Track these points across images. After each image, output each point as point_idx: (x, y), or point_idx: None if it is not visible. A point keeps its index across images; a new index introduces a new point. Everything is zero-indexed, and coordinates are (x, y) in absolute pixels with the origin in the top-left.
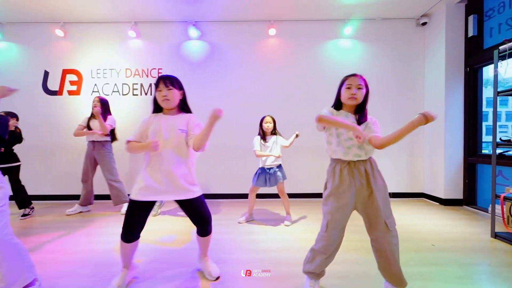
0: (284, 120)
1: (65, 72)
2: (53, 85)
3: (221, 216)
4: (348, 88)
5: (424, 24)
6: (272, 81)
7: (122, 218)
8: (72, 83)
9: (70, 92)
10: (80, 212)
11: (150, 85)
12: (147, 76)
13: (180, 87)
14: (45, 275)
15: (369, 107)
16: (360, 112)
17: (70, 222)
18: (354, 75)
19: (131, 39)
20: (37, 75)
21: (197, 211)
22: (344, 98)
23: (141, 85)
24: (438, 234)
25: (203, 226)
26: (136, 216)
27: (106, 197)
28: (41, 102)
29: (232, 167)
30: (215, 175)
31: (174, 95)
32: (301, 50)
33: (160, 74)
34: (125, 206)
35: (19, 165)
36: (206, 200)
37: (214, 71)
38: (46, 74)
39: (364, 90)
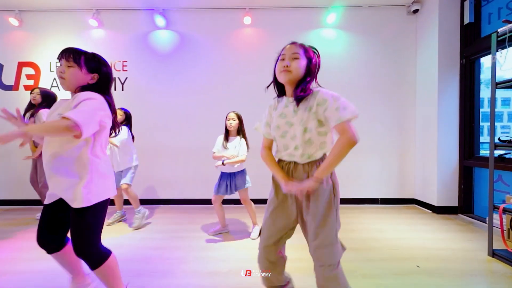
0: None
1: (21, 65)
2: (8, 79)
3: (184, 227)
4: (282, 60)
5: (415, 11)
6: (247, 74)
7: None
8: (29, 77)
9: (27, 87)
10: None
11: (114, 79)
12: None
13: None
14: None
15: (356, 101)
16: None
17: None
18: (291, 43)
19: (93, 29)
20: None
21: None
22: (277, 73)
23: None
24: (426, 251)
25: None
26: None
27: None
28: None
29: (199, 170)
30: (180, 178)
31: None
32: (279, 41)
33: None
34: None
35: None
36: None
37: (183, 63)
38: (0, 67)
39: (303, 61)
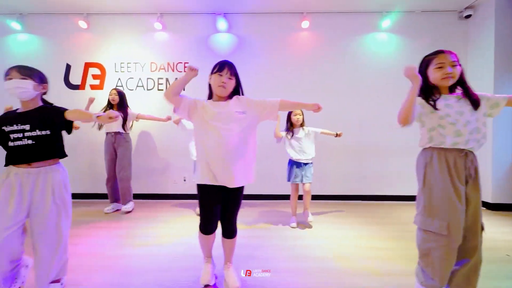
0: (315, 117)
1: (88, 65)
2: (75, 79)
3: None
4: (440, 67)
5: (467, 17)
6: (303, 76)
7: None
8: (95, 77)
9: (93, 87)
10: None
11: (176, 79)
12: (173, 70)
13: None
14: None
15: (401, 103)
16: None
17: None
18: (441, 51)
19: (157, 32)
20: (58, 68)
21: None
22: (436, 79)
23: (167, 79)
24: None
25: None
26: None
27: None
28: (63, 97)
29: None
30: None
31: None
32: (335, 44)
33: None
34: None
35: None
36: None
37: (241, 65)
38: (68, 67)
39: (459, 68)
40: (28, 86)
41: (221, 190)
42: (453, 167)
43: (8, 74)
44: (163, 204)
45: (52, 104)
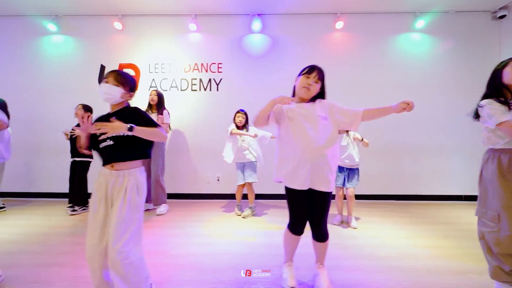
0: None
1: (122, 66)
2: None
3: None
4: None
5: (501, 17)
6: (336, 76)
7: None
8: None
9: None
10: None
11: (210, 80)
12: (206, 71)
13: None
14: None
15: (440, 101)
16: None
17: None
18: None
19: (191, 33)
20: (93, 69)
21: None
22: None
23: (200, 80)
24: None
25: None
26: None
27: None
28: (98, 97)
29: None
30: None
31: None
32: (368, 44)
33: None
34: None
35: (90, 162)
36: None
37: (275, 65)
38: (102, 68)
39: None
40: (116, 94)
41: (309, 193)
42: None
43: (106, 77)
44: (199, 204)
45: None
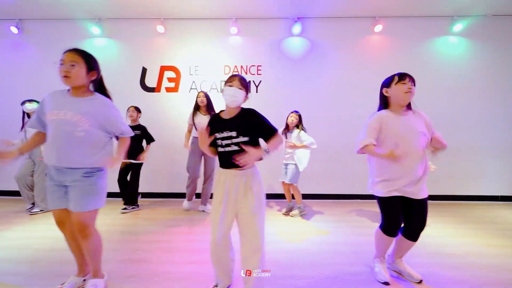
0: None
1: (163, 68)
2: (151, 81)
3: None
4: None
5: None
6: (374, 78)
7: None
8: (170, 80)
9: (168, 89)
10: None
11: (249, 82)
12: (246, 73)
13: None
14: None
15: (477, 103)
16: None
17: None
18: None
19: (231, 36)
20: (135, 71)
21: None
22: None
23: None
24: None
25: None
26: None
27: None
28: (139, 99)
29: (329, 166)
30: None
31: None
32: (406, 47)
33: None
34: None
35: (142, 164)
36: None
37: (313, 68)
38: (144, 70)
39: None
40: (241, 97)
41: (405, 199)
42: None
43: (230, 81)
44: None
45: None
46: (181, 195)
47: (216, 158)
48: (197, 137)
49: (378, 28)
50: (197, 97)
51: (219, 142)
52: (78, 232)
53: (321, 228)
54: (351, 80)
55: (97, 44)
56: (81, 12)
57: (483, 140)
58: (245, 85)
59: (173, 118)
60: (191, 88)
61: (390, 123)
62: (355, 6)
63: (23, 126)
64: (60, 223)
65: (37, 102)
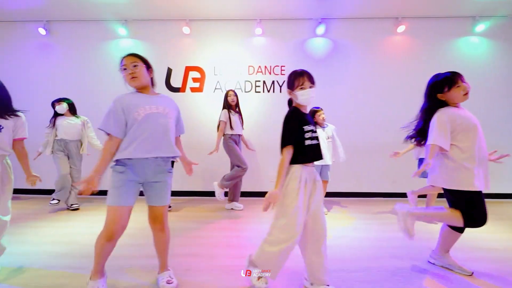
0: (409, 120)
1: (188, 69)
2: (176, 82)
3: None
4: None
5: None
6: (396, 79)
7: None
8: (195, 80)
9: (193, 89)
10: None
11: (273, 82)
12: (270, 73)
13: None
14: None
15: (503, 102)
16: None
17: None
18: None
19: (255, 36)
20: (160, 72)
21: None
22: None
23: (264, 82)
24: None
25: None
26: None
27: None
28: None
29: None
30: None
31: None
32: (428, 47)
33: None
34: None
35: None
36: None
37: (336, 68)
38: (169, 71)
39: None
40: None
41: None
42: None
43: (300, 84)
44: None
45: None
46: (206, 194)
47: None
48: (234, 134)
49: (401, 28)
50: (227, 96)
51: (308, 135)
52: (159, 225)
53: (358, 226)
54: (373, 79)
55: (123, 45)
56: (108, 13)
57: (501, 140)
58: (314, 81)
59: (198, 118)
60: (215, 88)
61: (458, 118)
62: (378, 7)
63: (52, 125)
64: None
65: (67, 100)
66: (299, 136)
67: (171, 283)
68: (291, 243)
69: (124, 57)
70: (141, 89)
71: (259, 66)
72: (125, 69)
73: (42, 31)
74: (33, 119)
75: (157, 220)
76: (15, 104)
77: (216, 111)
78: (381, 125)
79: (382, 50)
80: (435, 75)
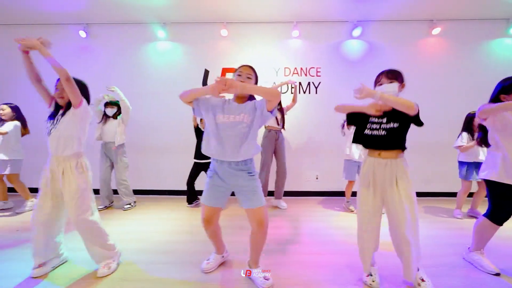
0: (443, 120)
1: (225, 70)
2: (212, 83)
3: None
4: None
5: None
6: (432, 81)
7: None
8: None
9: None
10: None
11: (309, 83)
12: (306, 75)
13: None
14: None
15: None
16: None
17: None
18: None
19: (291, 39)
20: (197, 73)
21: None
22: None
23: (300, 83)
24: None
25: None
26: None
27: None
28: None
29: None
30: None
31: None
32: (462, 50)
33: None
34: None
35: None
36: None
37: (370, 70)
38: (206, 72)
39: None
40: (395, 89)
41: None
42: None
43: (379, 81)
44: (308, 201)
45: None
46: None
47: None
48: (272, 130)
49: (436, 30)
50: None
51: (368, 125)
52: (258, 227)
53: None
54: (408, 81)
55: (161, 47)
56: (147, 16)
57: None
58: (394, 77)
59: None
60: None
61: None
62: (413, 10)
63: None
64: (208, 221)
65: (116, 103)
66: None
67: (268, 279)
68: (359, 233)
69: (244, 65)
70: (237, 98)
71: (295, 68)
72: (239, 75)
73: (82, 33)
74: None
75: (257, 222)
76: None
77: None
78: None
79: (416, 52)
80: (504, 79)
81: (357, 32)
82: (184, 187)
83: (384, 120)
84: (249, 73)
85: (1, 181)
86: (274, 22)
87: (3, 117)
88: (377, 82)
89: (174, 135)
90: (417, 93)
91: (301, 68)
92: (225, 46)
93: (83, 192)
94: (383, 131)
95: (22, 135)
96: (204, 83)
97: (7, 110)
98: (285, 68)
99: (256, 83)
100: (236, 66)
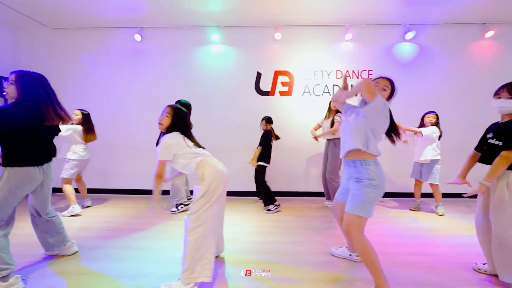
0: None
1: (277, 73)
2: (265, 85)
3: None
4: None
5: None
6: (481, 84)
7: None
8: (283, 84)
9: (282, 93)
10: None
11: None
12: (357, 77)
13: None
14: None
15: None
16: None
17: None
18: None
19: (343, 41)
20: (250, 76)
21: None
22: None
23: (351, 86)
24: None
25: None
26: None
27: None
28: (254, 102)
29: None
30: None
31: None
32: None
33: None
34: None
35: (266, 166)
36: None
37: (421, 72)
38: (258, 75)
39: None
40: (510, 106)
41: None
42: None
43: (498, 93)
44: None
45: None
46: (294, 194)
47: None
48: (338, 138)
49: (489, 34)
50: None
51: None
52: (345, 232)
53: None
54: (459, 84)
55: (214, 51)
56: (202, 20)
57: None
58: None
59: (288, 121)
60: (304, 92)
61: None
62: (466, 13)
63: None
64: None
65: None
66: None
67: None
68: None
69: (382, 77)
70: None
71: (347, 71)
72: (376, 84)
73: (138, 37)
74: (126, 123)
75: (344, 226)
76: (107, 107)
77: (305, 115)
78: (464, 129)
79: (468, 55)
80: None
81: (410, 35)
82: (242, 189)
83: (490, 135)
84: (386, 86)
85: (80, 180)
86: (327, 26)
87: (73, 121)
88: (496, 94)
89: (231, 135)
90: (466, 97)
91: (353, 71)
92: (277, 49)
93: None
94: (499, 142)
95: (86, 141)
96: (257, 85)
97: (78, 116)
98: (337, 70)
99: (391, 96)
100: (288, 69)
